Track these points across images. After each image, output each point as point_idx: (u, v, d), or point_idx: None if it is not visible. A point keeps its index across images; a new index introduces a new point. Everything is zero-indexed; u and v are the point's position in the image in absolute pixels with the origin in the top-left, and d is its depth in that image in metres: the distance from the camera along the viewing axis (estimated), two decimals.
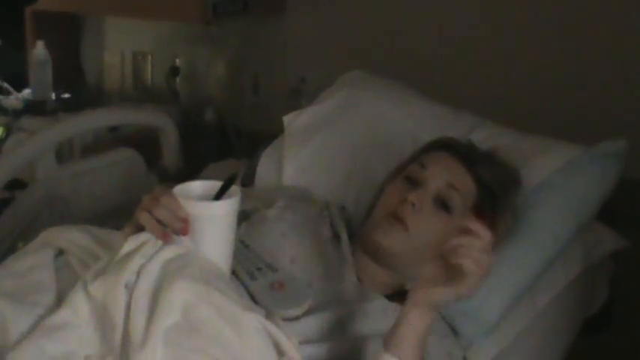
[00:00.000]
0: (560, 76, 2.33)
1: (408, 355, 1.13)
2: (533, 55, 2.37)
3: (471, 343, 1.48)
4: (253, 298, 1.25)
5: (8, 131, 2.59)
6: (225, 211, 1.16)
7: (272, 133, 1.93)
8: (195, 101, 2.89)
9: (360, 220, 1.57)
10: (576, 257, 1.61)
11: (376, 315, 1.33)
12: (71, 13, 3.10)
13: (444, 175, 1.44)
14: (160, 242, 1.15)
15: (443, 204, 1.42)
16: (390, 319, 1.22)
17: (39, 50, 2.90)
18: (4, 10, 2.94)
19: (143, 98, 3.04)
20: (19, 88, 3.00)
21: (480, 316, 1.48)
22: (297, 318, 1.26)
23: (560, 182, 1.58)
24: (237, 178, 1.20)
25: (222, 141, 2.74)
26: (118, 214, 1.39)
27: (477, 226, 1.12)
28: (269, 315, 1.15)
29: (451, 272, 1.12)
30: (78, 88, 3.17)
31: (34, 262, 1.25)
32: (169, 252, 1.14)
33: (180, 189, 1.19)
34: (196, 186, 1.22)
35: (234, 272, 1.27)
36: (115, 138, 2.51)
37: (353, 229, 1.55)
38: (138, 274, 1.11)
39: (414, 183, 1.45)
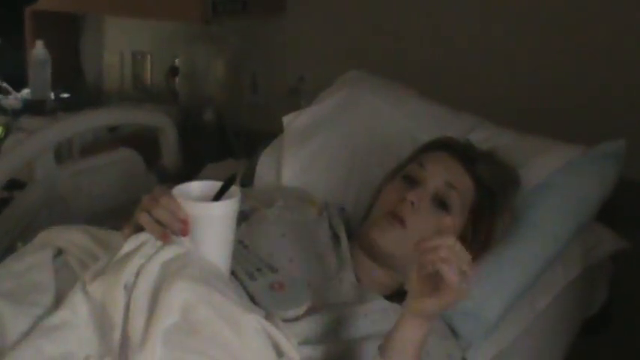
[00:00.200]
0: (560, 76, 2.33)
1: None
2: (532, 55, 2.37)
3: (470, 343, 1.48)
4: (253, 299, 1.25)
5: (7, 131, 2.59)
6: (224, 211, 1.16)
7: (271, 132, 1.93)
8: (195, 101, 2.89)
9: (359, 220, 1.57)
10: (576, 258, 1.61)
11: (375, 315, 1.33)
12: (71, 12, 3.09)
13: (442, 175, 1.45)
14: (159, 243, 1.15)
15: (441, 203, 1.42)
16: (389, 319, 1.22)
17: (38, 50, 2.90)
18: (4, 9, 2.94)
19: (142, 98, 3.04)
20: (18, 87, 3.00)
21: (479, 317, 1.47)
22: (296, 319, 1.25)
23: (559, 182, 1.58)
24: (237, 178, 1.20)
25: (222, 141, 2.74)
26: (117, 214, 1.39)
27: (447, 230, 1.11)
28: (268, 316, 1.15)
29: (434, 281, 1.09)
30: (77, 88, 3.17)
31: (32, 262, 1.25)
32: (169, 252, 1.14)
33: (179, 189, 1.19)
34: (196, 186, 1.22)
35: (233, 273, 1.26)
36: (114, 138, 2.51)
37: (352, 230, 1.55)
38: (137, 274, 1.11)
39: (412, 182, 1.45)
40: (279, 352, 1.09)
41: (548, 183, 1.58)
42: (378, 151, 1.76)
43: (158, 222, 1.14)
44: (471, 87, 2.43)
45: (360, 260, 1.45)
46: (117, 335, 1.07)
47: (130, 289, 1.09)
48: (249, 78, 2.85)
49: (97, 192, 2.03)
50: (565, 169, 1.59)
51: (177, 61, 2.98)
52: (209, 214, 1.15)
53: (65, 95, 3.06)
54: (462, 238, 1.40)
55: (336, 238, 1.50)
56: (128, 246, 1.15)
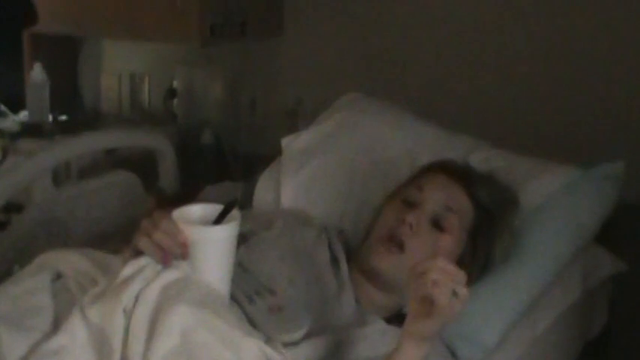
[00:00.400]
0: (559, 98, 2.34)
1: None
2: (531, 77, 2.38)
3: None
4: (252, 323, 1.24)
5: (5, 154, 2.58)
6: (225, 235, 1.16)
7: (269, 154, 1.93)
8: (193, 123, 2.89)
9: (358, 242, 1.57)
10: (575, 281, 1.60)
11: (375, 338, 1.33)
12: (69, 35, 3.10)
13: (441, 197, 1.45)
14: (159, 267, 1.15)
15: (440, 225, 1.43)
16: (389, 342, 1.21)
17: (36, 72, 2.90)
18: (2, 32, 2.95)
19: (140, 120, 3.04)
20: (15, 110, 2.99)
21: (478, 339, 1.47)
22: (296, 343, 1.25)
23: (558, 204, 1.59)
24: (238, 202, 1.20)
25: (220, 163, 2.74)
26: (116, 237, 1.39)
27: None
28: (269, 340, 1.15)
29: (430, 302, 1.10)
30: (75, 111, 3.17)
31: (31, 285, 1.24)
32: (168, 276, 1.13)
33: (179, 213, 1.19)
34: (196, 209, 1.22)
35: (232, 296, 1.26)
36: (112, 160, 2.51)
37: (351, 252, 1.55)
38: (136, 298, 1.10)
39: (411, 205, 1.45)
40: None
41: (547, 204, 1.58)
42: (376, 173, 1.76)
43: (158, 246, 1.14)
44: (469, 109, 2.44)
45: (359, 283, 1.45)
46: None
47: (129, 314, 1.09)
48: (248, 100, 2.86)
49: (95, 215, 2.02)
50: (564, 190, 1.60)
51: (175, 82, 2.98)
52: (210, 238, 1.15)
53: (63, 118, 3.06)
54: (461, 260, 1.42)
55: (335, 260, 1.50)
56: (127, 270, 1.15)
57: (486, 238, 1.48)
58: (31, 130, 2.85)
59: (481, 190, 1.48)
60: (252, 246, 1.48)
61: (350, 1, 2.62)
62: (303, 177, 1.79)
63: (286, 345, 1.22)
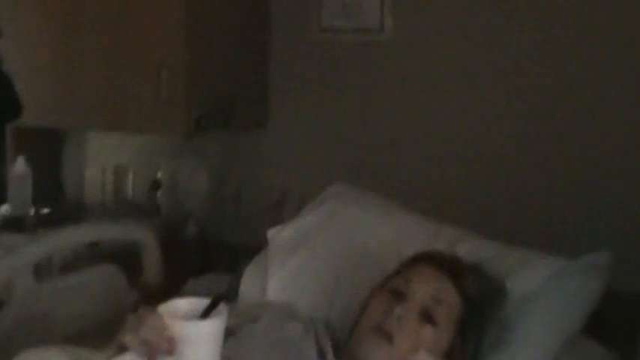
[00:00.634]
0: (545, 189, 2.36)
1: None
2: (517, 166, 2.41)
3: None
4: None
5: None
6: (212, 330, 1.14)
7: (255, 246, 1.93)
8: (177, 214, 2.88)
9: (346, 335, 1.55)
10: None
11: None
12: (53, 128, 3.11)
13: (428, 289, 1.45)
14: None
15: (428, 317, 1.43)
16: None
17: (19, 165, 2.89)
18: None
19: (124, 212, 3.02)
20: None
21: None
22: None
23: (545, 295, 1.58)
24: (225, 296, 1.18)
25: (204, 255, 2.72)
26: (99, 333, 1.36)
27: None
28: None
29: None
30: (58, 203, 3.15)
31: None
32: None
33: (165, 307, 1.17)
34: (182, 304, 1.20)
35: None
36: (94, 253, 2.48)
37: (339, 344, 1.54)
38: None
39: (398, 296, 1.45)
40: None
41: (534, 295, 1.58)
42: (363, 265, 1.76)
43: (144, 342, 1.12)
44: (455, 197, 2.45)
45: None
46: None
47: None
48: (232, 191, 2.86)
49: (78, 310, 1.99)
50: (550, 281, 1.60)
51: (159, 174, 2.98)
52: (197, 333, 1.13)
53: (45, 211, 3.04)
54: (450, 352, 1.42)
55: (322, 353, 1.48)
56: None
57: (474, 329, 1.48)
58: (12, 224, 2.83)
59: (468, 281, 1.49)
60: (239, 340, 1.46)
61: (334, 93, 2.66)
62: (290, 269, 1.78)
63: None
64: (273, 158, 2.79)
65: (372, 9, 2.61)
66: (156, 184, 2.98)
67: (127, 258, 2.30)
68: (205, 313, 1.16)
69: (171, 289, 1.99)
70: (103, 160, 3.12)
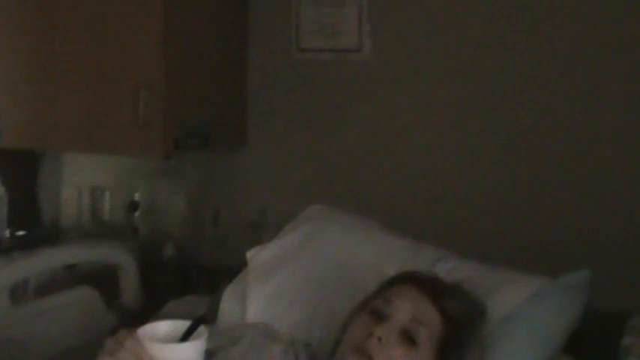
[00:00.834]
0: (524, 207, 2.37)
1: None
2: (497, 185, 2.42)
3: None
4: None
5: None
6: (192, 353, 1.14)
7: (233, 267, 1.92)
8: (155, 236, 2.86)
9: (326, 356, 1.55)
10: None
11: None
12: (29, 149, 3.09)
13: (409, 309, 1.45)
14: None
15: (409, 338, 1.43)
16: None
17: None
18: None
19: (101, 234, 3.00)
20: None
21: None
22: None
23: (525, 315, 1.58)
24: (204, 318, 1.18)
25: (183, 276, 2.70)
26: (77, 357, 1.35)
27: None
28: None
29: None
30: (34, 225, 3.12)
31: None
32: None
33: (144, 330, 1.16)
34: (161, 326, 1.19)
35: None
36: (71, 276, 2.46)
37: None
38: None
39: (379, 317, 1.45)
40: None
41: (514, 315, 1.58)
42: (343, 286, 1.75)
43: None
44: (433, 217, 2.46)
45: None
46: None
47: None
48: (211, 212, 2.85)
49: (55, 333, 1.98)
50: (531, 300, 1.60)
51: (136, 195, 2.96)
52: (176, 356, 1.13)
53: (21, 233, 3.01)
54: None
55: None
56: None
57: (455, 349, 1.48)
58: None
59: (449, 301, 1.49)
60: None
61: (312, 113, 2.66)
62: (270, 290, 1.78)
63: None
64: (252, 179, 2.78)
65: (350, 29, 2.62)
66: (133, 206, 2.97)
67: (104, 280, 2.29)
68: (185, 336, 1.16)
69: (149, 311, 1.98)
70: (79, 181, 3.10)
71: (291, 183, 2.70)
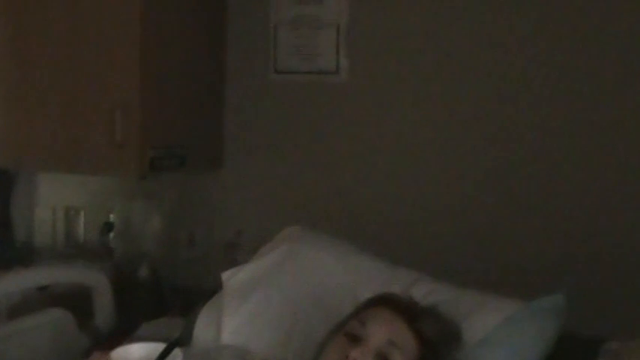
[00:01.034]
0: (499, 231, 2.38)
1: None
2: (472, 207, 2.42)
3: None
4: None
5: None
6: None
7: (209, 289, 1.91)
8: (130, 257, 2.84)
9: None
10: None
11: None
12: (3, 169, 3.06)
13: (384, 332, 1.46)
14: None
15: None
16: None
17: None
18: None
19: (75, 255, 2.98)
20: None
21: None
22: None
23: (500, 338, 1.59)
24: (179, 341, 1.17)
25: (157, 298, 2.68)
26: None
27: None
28: None
29: None
30: (7, 245, 3.09)
31: None
32: None
33: (118, 353, 1.15)
34: (135, 349, 1.19)
35: None
36: (44, 297, 2.43)
37: None
38: None
39: (355, 339, 1.46)
40: None
41: (489, 338, 1.59)
42: (319, 307, 1.75)
43: None
44: (410, 240, 2.46)
45: None
46: None
47: None
48: (186, 233, 2.84)
49: (27, 356, 1.94)
50: (506, 324, 1.60)
51: (111, 216, 2.95)
52: None
53: None
54: None
55: None
56: None
57: None
58: None
59: (424, 324, 1.50)
60: None
61: (289, 135, 2.67)
62: (245, 312, 1.77)
63: None
64: (228, 200, 2.78)
65: (327, 51, 2.63)
66: (108, 226, 2.95)
67: (78, 302, 2.26)
68: (159, 359, 1.15)
69: (123, 333, 1.96)
70: (54, 200, 3.07)
71: (267, 204, 2.70)
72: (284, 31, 2.67)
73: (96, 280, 2.21)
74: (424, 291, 1.73)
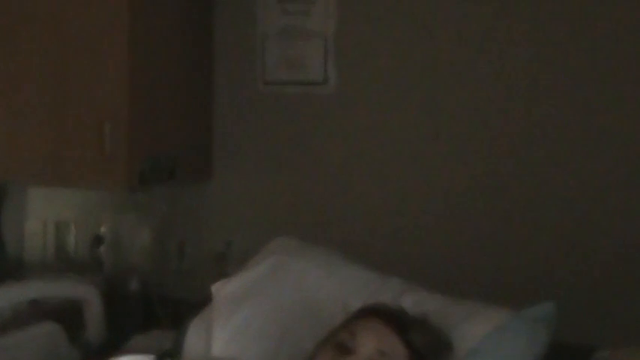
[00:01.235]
0: (488, 240, 2.38)
1: None
2: (463, 217, 2.43)
3: None
4: None
5: None
6: None
7: (198, 300, 1.91)
8: (120, 270, 2.84)
9: None
10: None
11: None
12: None
13: (374, 342, 1.46)
14: None
15: None
16: None
17: None
18: None
19: (66, 268, 2.97)
20: None
21: None
22: None
23: (489, 348, 1.58)
24: (169, 353, 1.17)
25: (148, 310, 2.68)
26: None
27: None
28: None
29: None
30: None
31: None
32: None
33: None
34: None
35: None
36: (35, 311, 2.43)
37: None
38: None
39: (344, 350, 1.46)
40: None
41: (479, 348, 1.58)
42: (309, 319, 1.75)
43: None
44: (399, 250, 2.46)
45: None
46: None
47: None
48: (176, 245, 2.84)
49: None
50: (496, 333, 1.60)
51: (102, 229, 2.94)
52: None
53: None
54: None
55: None
56: None
57: None
58: None
59: (414, 334, 1.50)
60: None
61: (278, 146, 2.67)
62: (235, 324, 1.77)
63: None
64: (217, 212, 2.78)
65: (315, 62, 2.63)
66: (98, 239, 2.95)
67: (68, 315, 2.26)
68: None
69: (114, 346, 1.96)
70: (44, 214, 3.07)
71: (256, 216, 2.70)
72: (272, 42, 2.67)
73: (86, 293, 2.21)
74: (414, 300, 1.72)
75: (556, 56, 2.32)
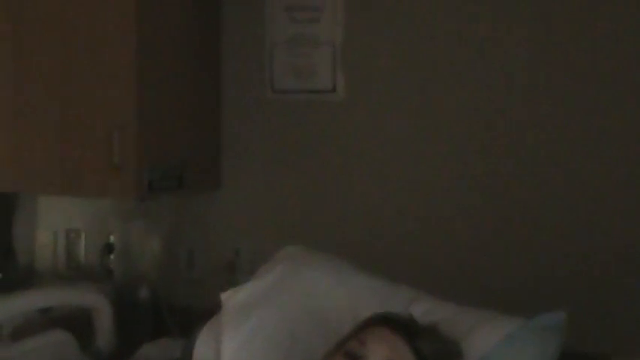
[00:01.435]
0: (498, 247, 2.38)
1: None
2: (471, 226, 2.43)
3: None
4: None
5: None
6: None
7: (207, 309, 1.91)
8: (129, 278, 2.85)
9: None
10: None
11: None
12: (3, 192, 3.07)
13: (384, 351, 1.45)
14: None
15: None
16: None
17: None
18: None
19: (76, 277, 2.98)
20: None
21: None
22: None
23: (500, 356, 1.58)
24: None
25: (157, 319, 2.68)
26: None
27: None
28: None
29: None
30: (8, 268, 3.10)
31: None
32: None
33: None
34: None
35: None
36: (46, 319, 2.44)
37: None
38: None
39: (354, 359, 1.45)
40: None
41: (489, 356, 1.58)
42: (318, 327, 1.75)
43: None
44: (408, 258, 2.46)
45: None
46: None
47: None
48: (185, 253, 2.84)
49: None
50: (506, 341, 1.59)
51: (112, 238, 2.95)
52: None
53: None
54: None
55: None
56: None
57: None
58: None
59: (424, 343, 1.49)
60: None
61: (286, 154, 2.67)
62: (245, 332, 1.76)
63: None
64: (226, 220, 2.78)
65: (324, 70, 2.64)
66: (108, 248, 2.96)
67: (79, 323, 2.27)
68: None
69: (124, 354, 1.96)
70: (54, 223, 3.08)
71: (265, 224, 2.70)
72: (280, 51, 2.68)
73: (96, 301, 2.21)
74: (423, 309, 1.72)
75: (556, 56, 2.32)
